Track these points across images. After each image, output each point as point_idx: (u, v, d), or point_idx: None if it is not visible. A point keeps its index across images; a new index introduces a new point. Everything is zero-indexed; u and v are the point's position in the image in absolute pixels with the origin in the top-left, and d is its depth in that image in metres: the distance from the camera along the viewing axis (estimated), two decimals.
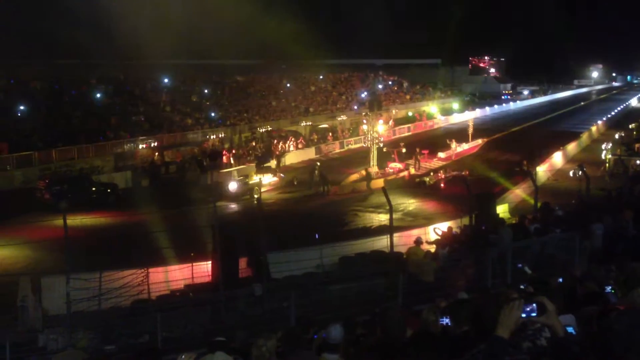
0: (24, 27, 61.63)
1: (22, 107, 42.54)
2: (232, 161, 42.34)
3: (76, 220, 23.22)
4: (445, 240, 18.88)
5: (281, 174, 38.54)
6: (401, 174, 38.58)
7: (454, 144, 46.82)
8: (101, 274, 15.65)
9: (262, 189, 33.67)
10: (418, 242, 17.34)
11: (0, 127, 37.97)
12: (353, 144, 53.60)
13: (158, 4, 52.17)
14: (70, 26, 53.04)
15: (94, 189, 32.61)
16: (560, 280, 8.09)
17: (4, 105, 41.91)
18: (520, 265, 13.48)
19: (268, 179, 36.63)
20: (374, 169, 38.86)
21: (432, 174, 37.52)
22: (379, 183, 34.44)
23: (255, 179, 35.03)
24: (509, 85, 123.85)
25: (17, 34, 58.97)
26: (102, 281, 15.49)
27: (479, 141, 52.04)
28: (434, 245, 18.62)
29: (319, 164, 39.47)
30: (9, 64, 51.30)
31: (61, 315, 14.47)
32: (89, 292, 14.82)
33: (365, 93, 69.55)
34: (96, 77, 53.11)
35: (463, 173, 34.55)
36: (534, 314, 3.54)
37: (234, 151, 44.73)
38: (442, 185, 35.01)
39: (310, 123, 59.40)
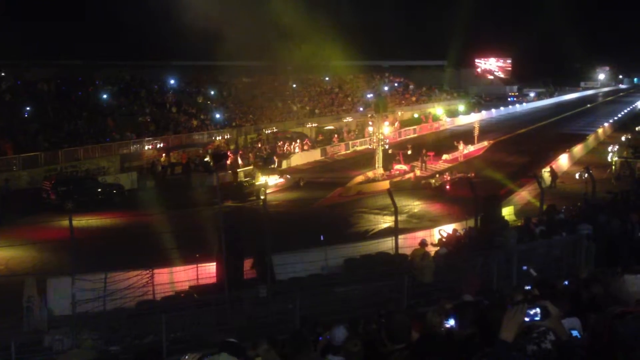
0: (30, 28, 61.89)
1: (28, 108, 42.62)
2: (239, 162, 42.36)
3: (82, 221, 23.39)
4: (450, 243, 18.83)
5: (287, 175, 38.58)
6: (407, 176, 38.53)
7: (461, 146, 46.82)
8: (106, 274, 15.65)
9: (268, 191, 33.70)
10: (423, 244, 17.28)
11: (6, 128, 38.07)
12: (359, 146, 53.62)
13: (165, 4, 52.23)
14: (77, 27, 53.26)
15: (99, 189, 32.71)
16: (566, 282, 8.06)
17: (10, 106, 42.00)
18: (525, 267, 13.41)
19: (274, 181, 36.67)
20: (379, 170, 38.83)
21: (437, 175, 37.46)
22: (384, 184, 34.43)
23: (261, 180, 35.06)
24: (515, 87, 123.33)
25: (23, 35, 59.22)
26: (107, 282, 15.48)
27: (485, 143, 52.00)
28: (439, 247, 18.56)
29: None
30: (15, 65, 51.44)
31: (66, 316, 14.49)
32: (94, 293, 14.81)
33: (371, 94, 69.47)
34: (102, 78, 53.14)
35: (469, 175, 34.50)
36: (537, 318, 3.53)
37: (240, 152, 44.74)
38: (447, 187, 34.95)
39: (316, 124, 59.41)
